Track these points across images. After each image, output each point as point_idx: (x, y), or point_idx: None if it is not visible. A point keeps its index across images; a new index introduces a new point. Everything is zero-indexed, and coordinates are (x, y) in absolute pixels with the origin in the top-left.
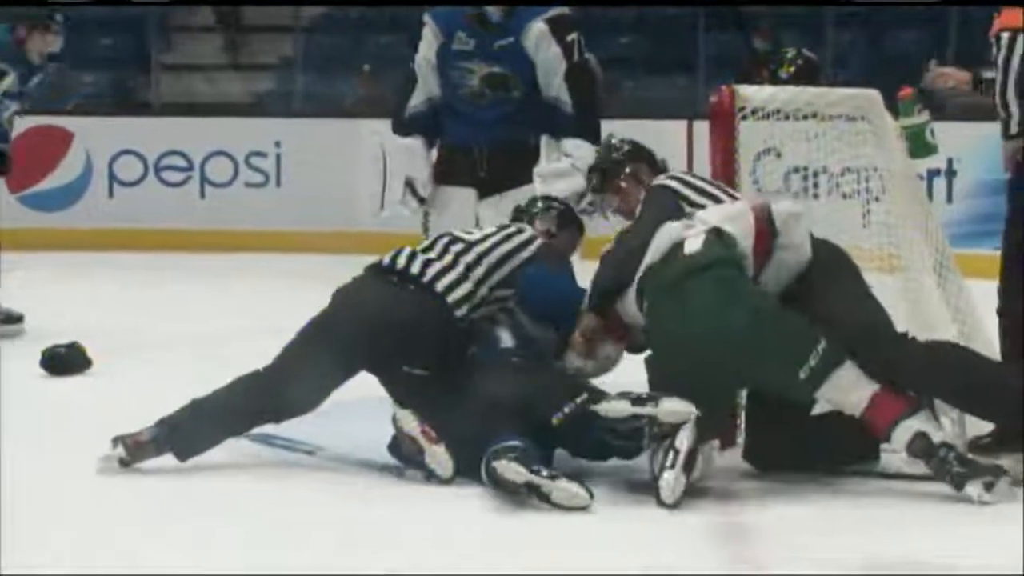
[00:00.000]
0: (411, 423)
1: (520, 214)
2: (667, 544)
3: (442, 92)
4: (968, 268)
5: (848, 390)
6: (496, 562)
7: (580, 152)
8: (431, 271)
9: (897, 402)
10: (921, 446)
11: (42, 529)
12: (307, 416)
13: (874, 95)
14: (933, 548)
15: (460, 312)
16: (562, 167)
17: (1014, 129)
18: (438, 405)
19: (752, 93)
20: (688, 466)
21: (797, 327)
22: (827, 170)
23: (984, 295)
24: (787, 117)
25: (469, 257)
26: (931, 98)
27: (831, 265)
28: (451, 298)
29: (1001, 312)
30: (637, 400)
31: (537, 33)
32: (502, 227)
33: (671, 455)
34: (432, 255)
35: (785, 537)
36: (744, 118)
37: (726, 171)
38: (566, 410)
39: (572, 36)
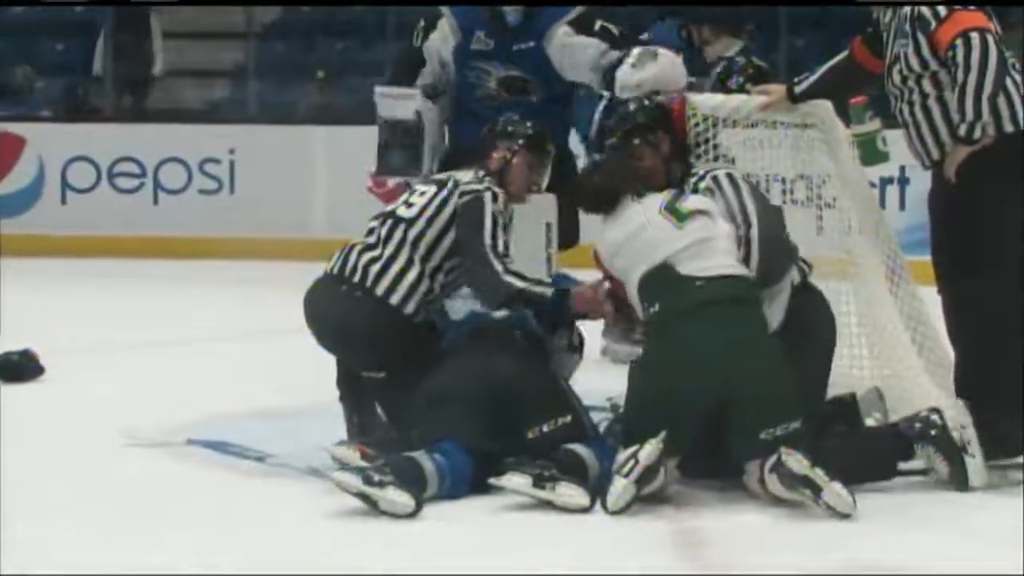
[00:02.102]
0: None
1: (485, 138)
2: (623, 550)
3: (456, 91)
4: (921, 275)
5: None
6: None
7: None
8: (373, 271)
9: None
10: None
11: None
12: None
13: (825, 103)
14: (904, 552)
15: (409, 308)
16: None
17: (979, 133)
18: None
19: (702, 100)
20: (643, 479)
21: (788, 392)
22: (779, 177)
23: (937, 301)
24: (735, 124)
25: (410, 236)
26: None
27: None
28: (394, 299)
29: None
30: (538, 480)
31: (562, 36)
32: (439, 188)
33: (630, 463)
34: (375, 251)
35: (746, 544)
36: (696, 125)
37: None
38: (545, 429)
39: (599, 24)
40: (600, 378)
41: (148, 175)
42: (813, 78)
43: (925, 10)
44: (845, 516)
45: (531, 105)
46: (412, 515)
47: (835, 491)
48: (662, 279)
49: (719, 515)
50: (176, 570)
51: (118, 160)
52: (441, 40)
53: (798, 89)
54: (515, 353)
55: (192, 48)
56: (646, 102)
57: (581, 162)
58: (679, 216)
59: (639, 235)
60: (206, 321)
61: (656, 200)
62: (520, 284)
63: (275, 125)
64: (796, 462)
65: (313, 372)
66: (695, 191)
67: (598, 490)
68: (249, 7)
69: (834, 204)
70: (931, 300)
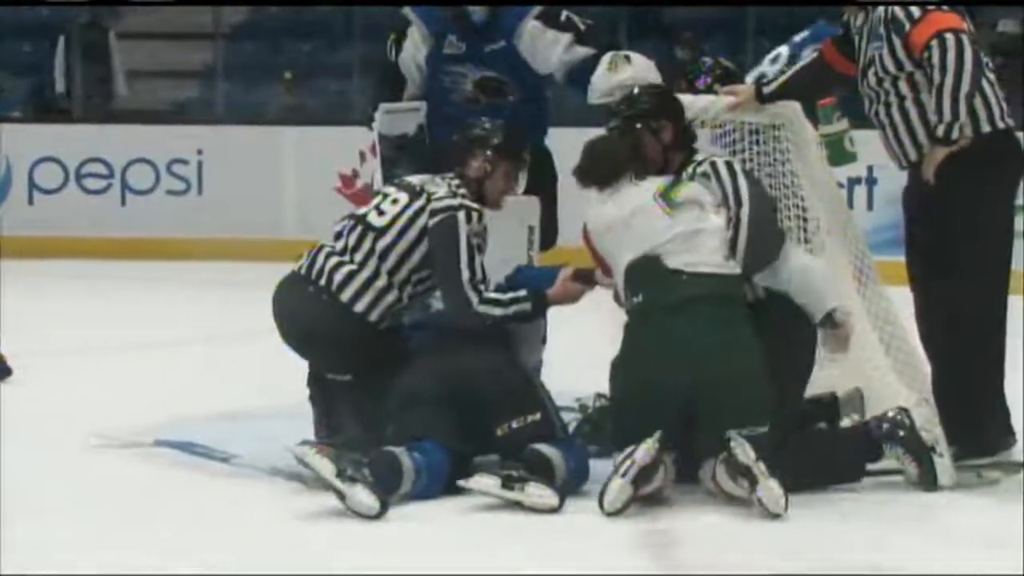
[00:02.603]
0: (315, 461)
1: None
2: (596, 551)
3: (430, 96)
4: (889, 275)
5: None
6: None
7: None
8: (339, 276)
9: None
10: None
11: None
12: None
13: (793, 104)
14: (878, 552)
15: (374, 316)
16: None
17: (956, 133)
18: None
19: None
20: (641, 479)
21: (760, 396)
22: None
23: (905, 301)
24: (703, 125)
25: (379, 246)
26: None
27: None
28: (359, 306)
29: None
30: (507, 481)
31: (531, 31)
32: (411, 199)
33: (627, 464)
34: (343, 257)
35: (720, 545)
36: None
37: None
38: (514, 425)
39: (564, 15)
40: (569, 379)
41: (116, 176)
42: (782, 79)
43: (899, 12)
44: (775, 516)
45: (508, 105)
46: (376, 517)
47: (770, 487)
48: (648, 270)
49: (692, 516)
50: (140, 570)
51: (86, 161)
52: (414, 49)
53: (766, 90)
54: (485, 348)
55: (160, 49)
56: (652, 88)
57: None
58: (671, 204)
59: (631, 220)
60: (174, 322)
61: (652, 185)
62: (497, 313)
63: (243, 126)
64: (743, 452)
65: (282, 373)
66: (692, 177)
67: (566, 490)
68: (217, 8)
69: (802, 204)
70: (899, 300)
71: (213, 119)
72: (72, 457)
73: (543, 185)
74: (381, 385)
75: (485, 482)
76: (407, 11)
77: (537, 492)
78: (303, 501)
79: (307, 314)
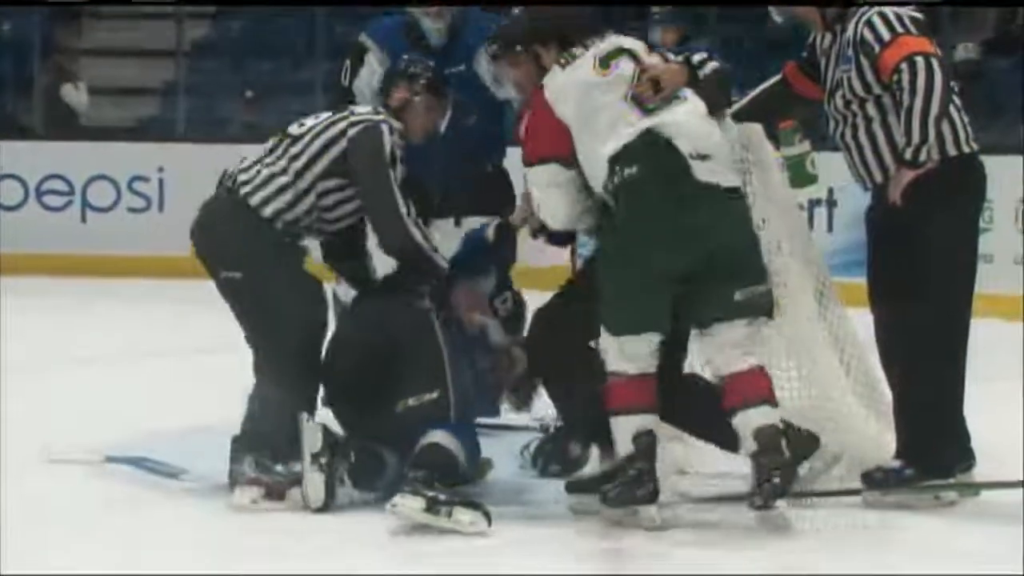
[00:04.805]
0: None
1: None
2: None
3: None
4: (849, 297)
5: (733, 344)
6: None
7: None
8: (244, 176)
9: (760, 387)
10: (768, 435)
11: None
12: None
13: (755, 125)
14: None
15: (267, 211)
16: None
17: (924, 156)
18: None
19: None
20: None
21: (760, 255)
22: None
23: (865, 323)
24: None
25: (292, 150)
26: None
27: None
28: (254, 199)
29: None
30: (432, 504)
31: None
32: (334, 113)
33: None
34: (268, 158)
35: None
36: None
37: None
38: (411, 402)
39: None
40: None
41: (76, 193)
42: (744, 101)
43: (868, 34)
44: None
45: (467, 127)
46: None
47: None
48: (643, 146)
49: (649, 535)
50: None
51: (46, 178)
52: (369, 75)
53: (728, 111)
54: (405, 312)
55: (121, 66)
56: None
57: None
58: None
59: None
60: (134, 338)
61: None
62: (420, 239)
63: (204, 143)
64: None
65: (241, 390)
66: None
67: (467, 477)
68: (178, 25)
69: (763, 226)
70: (859, 322)
71: (174, 136)
72: (22, 471)
73: (502, 205)
74: (268, 290)
75: (409, 506)
76: (364, 37)
77: (467, 518)
78: (253, 516)
79: (206, 210)
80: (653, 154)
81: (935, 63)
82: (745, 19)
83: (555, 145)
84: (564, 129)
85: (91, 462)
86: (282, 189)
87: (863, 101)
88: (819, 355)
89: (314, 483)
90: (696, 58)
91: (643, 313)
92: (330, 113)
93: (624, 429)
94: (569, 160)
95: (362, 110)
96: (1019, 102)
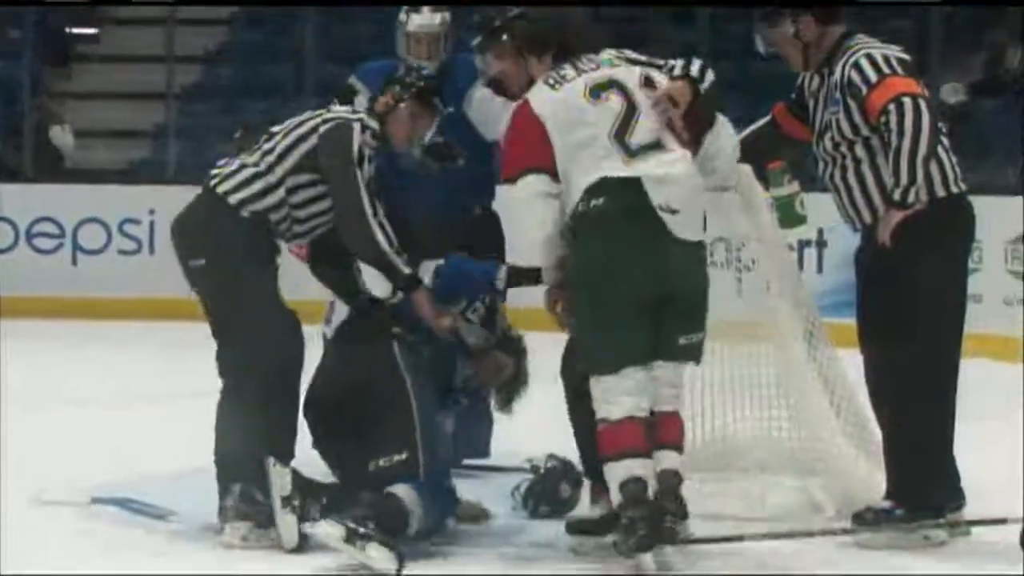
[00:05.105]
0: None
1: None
2: None
3: (377, 163)
4: (838, 338)
5: (670, 384)
6: None
7: None
8: (218, 170)
9: (678, 432)
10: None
11: None
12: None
13: (745, 166)
14: None
15: (233, 199)
16: None
17: (913, 197)
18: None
19: None
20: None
21: (706, 309)
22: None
23: (854, 364)
24: None
25: (267, 145)
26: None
27: None
28: (222, 187)
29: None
30: (351, 535)
31: (480, 98)
32: (313, 111)
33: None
34: (245, 153)
35: None
36: None
37: None
38: (382, 463)
39: None
40: (520, 439)
41: (67, 235)
42: None
43: (855, 76)
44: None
45: (456, 169)
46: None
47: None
48: (619, 183)
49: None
50: None
51: (37, 220)
52: None
53: None
54: (376, 368)
55: (112, 108)
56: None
57: None
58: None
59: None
60: (125, 381)
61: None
62: (383, 241)
63: (195, 186)
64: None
65: None
66: None
67: (424, 532)
68: (169, 68)
69: (753, 267)
70: (849, 363)
71: (165, 179)
72: (11, 514)
73: (492, 247)
74: (229, 279)
75: (327, 531)
76: (354, 79)
77: (376, 554)
78: (235, 555)
79: (184, 208)
80: (625, 193)
81: (922, 104)
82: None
83: (542, 156)
84: (550, 143)
85: (77, 504)
86: (251, 179)
87: (851, 143)
88: (809, 396)
89: (287, 525)
90: (695, 70)
91: (617, 347)
92: (311, 111)
93: (613, 477)
94: (554, 173)
95: (340, 108)
96: (1007, 143)
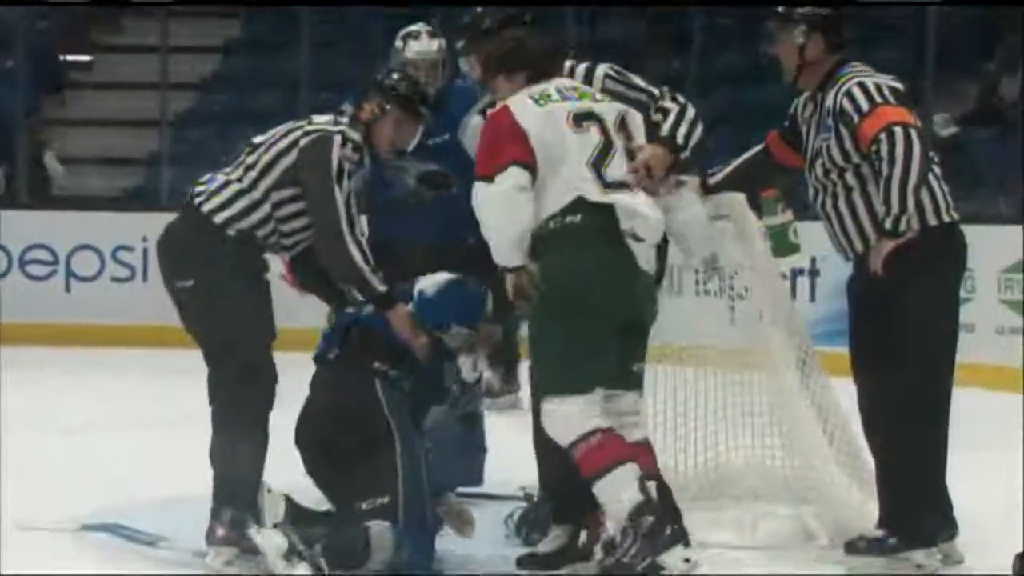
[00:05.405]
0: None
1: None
2: None
3: (372, 191)
4: (831, 366)
5: (630, 412)
6: None
7: None
8: (202, 187)
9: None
10: (646, 490)
11: None
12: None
13: (738, 195)
14: None
15: (218, 217)
16: None
17: (904, 225)
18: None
19: None
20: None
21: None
22: (692, 268)
23: (847, 392)
24: None
25: (249, 160)
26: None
27: None
28: (206, 206)
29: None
30: (291, 551)
31: (475, 126)
32: (295, 123)
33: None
34: (228, 167)
35: None
36: None
37: None
38: (364, 506)
39: None
40: (514, 467)
41: (60, 262)
42: (727, 170)
43: (847, 104)
44: None
45: (451, 197)
46: None
47: None
48: (594, 205)
49: None
50: None
51: (30, 247)
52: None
53: (712, 181)
54: (365, 411)
55: (106, 135)
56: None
57: None
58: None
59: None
60: (118, 408)
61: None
62: (361, 264)
63: None
64: None
65: None
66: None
67: (396, 567)
68: (163, 96)
69: (746, 295)
70: (841, 391)
71: (158, 206)
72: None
73: (483, 278)
74: (217, 295)
75: (273, 542)
76: (347, 105)
77: (302, 571)
78: None
79: (167, 227)
80: (601, 216)
81: (914, 133)
82: (725, 85)
83: (523, 151)
84: (530, 144)
85: (67, 529)
86: (236, 196)
87: (842, 170)
88: (802, 424)
89: (275, 551)
90: (681, 133)
91: (590, 366)
92: (292, 122)
93: (611, 490)
94: (534, 170)
95: (321, 119)
96: (1000, 172)
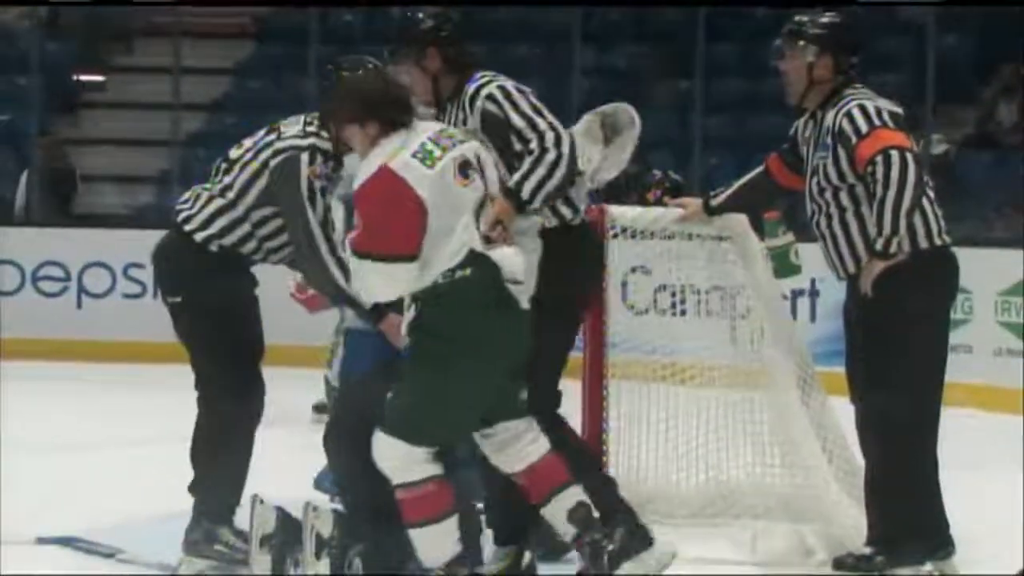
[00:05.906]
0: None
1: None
2: None
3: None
4: (831, 386)
5: (526, 431)
6: None
7: None
8: (186, 205)
9: (559, 470)
10: (582, 515)
11: None
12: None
13: (740, 216)
14: None
15: (200, 235)
16: None
17: (895, 248)
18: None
19: (621, 212)
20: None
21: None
22: (694, 288)
23: (847, 412)
24: (652, 235)
25: (227, 179)
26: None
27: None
28: (189, 225)
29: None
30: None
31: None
32: (266, 134)
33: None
34: (208, 183)
35: None
36: (615, 236)
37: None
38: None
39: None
40: None
41: (72, 279)
42: (728, 192)
43: (846, 125)
44: None
45: None
46: None
47: None
48: (482, 256)
49: None
50: None
51: (42, 264)
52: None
53: (714, 202)
54: (355, 449)
55: (118, 154)
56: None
57: None
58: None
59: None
60: (129, 425)
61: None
62: (341, 281)
63: None
64: None
65: None
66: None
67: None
68: (174, 116)
69: (747, 315)
70: (841, 410)
71: (170, 224)
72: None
73: None
74: (205, 312)
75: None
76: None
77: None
78: None
79: (157, 244)
80: (487, 266)
81: (909, 157)
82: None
83: (409, 241)
84: (421, 217)
85: (20, 543)
86: (217, 213)
87: (837, 189)
88: (802, 443)
89: (260, 564)
90: (527, 189)
91: (432, 430)
92: (263, 133)
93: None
94: (418, 255)
95: (290, 132)
96: (998, 196)
